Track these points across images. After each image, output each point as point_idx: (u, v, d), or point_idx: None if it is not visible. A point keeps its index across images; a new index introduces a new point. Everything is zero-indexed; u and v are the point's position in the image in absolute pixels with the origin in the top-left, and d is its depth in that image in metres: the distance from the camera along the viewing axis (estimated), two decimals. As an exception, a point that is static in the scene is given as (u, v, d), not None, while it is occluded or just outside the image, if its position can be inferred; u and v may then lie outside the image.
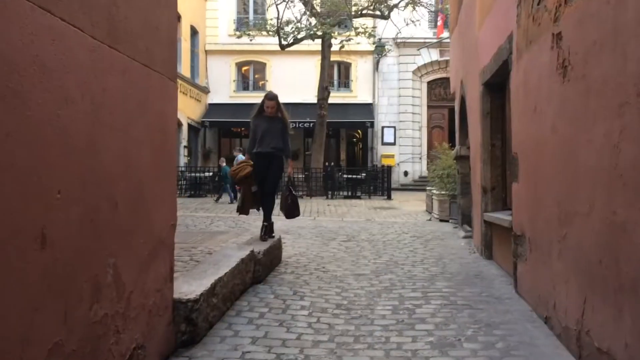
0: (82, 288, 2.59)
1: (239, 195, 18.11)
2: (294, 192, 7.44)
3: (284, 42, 20.35)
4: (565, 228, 3.99)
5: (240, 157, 19.26)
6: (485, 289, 5.69)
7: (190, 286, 4.16)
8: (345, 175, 21.64)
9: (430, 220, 13.13)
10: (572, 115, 3.79)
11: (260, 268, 5.69)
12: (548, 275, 4.43)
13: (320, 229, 10.66)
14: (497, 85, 7.01)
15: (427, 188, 15.65)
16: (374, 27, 22.49)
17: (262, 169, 6.84)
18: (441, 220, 12.62)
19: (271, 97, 6.97)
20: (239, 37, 21.16)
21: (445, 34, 25.26)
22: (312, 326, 4.50)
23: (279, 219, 10.07)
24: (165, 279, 3.72)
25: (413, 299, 5.33)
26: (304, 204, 16.93)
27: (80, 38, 2.55)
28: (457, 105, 11.07)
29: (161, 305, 3.65)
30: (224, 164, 19.82)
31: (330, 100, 21.78)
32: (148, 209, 3.39)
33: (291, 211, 7.33)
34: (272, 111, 6.86)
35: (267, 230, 6.93)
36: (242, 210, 7.05)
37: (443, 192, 12.88)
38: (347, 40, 19.76)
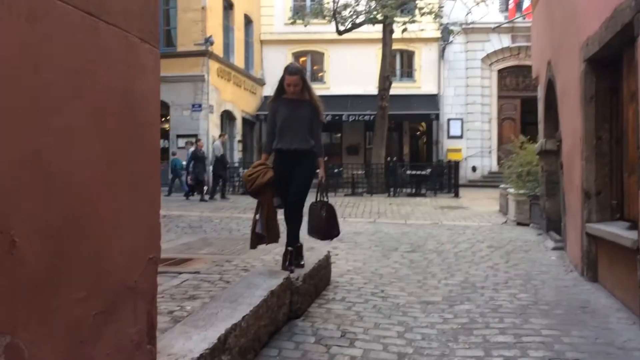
0: None
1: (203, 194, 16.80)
2: (328, 201, 5.17)
3: (341, 28, 18.96)
4: None
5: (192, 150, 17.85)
6: (600, 332, 4.19)
7: (187, 342, 2.91)
8: (408, 171, 20.12)
9: (506, 223, 11.51)
10: None
11: (299, 299, 4.40)
12: None
13: (380, 235, 9.29)
14: (606, 61, 5.46)
15: (501, 186, 13.99)
16: (441, 7, 20.67)
17: (285, 172, 4.86)
18: (519, 224, 11.01)
19: (293, 70, 5.03)
20: (292, 23, 19.95)
21: (517, 17, 23.40)
22: (364, 394, 3.18)
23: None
24: (139, 342, 2.48)
25: (503, 346, 3.91)
26: (363, 203, 15.63)
27: None
28: (541, 91, 9.44)
29: (131, 382, 2.41)
30: (176, 156, 18.44)
31: (392, 91, 20.32)
32: (95, 243, 2.15)
33: (328, 229, 5.11)
34: (295, 90, 4.88)
35: (295, 255, 4.95)
36: (270, 236, 4.91)
37: (521, 192, 11.24)
38: (410, 22, 18.15)
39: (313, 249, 5.68)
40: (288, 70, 4.99)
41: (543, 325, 4.36)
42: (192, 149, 17.66)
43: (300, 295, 4.41)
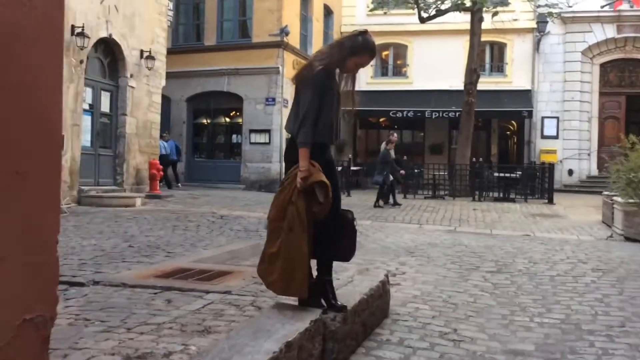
0: None
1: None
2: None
3: (424, 15, 17.53)
4: None
5: (162, 143, 16.30)
6: None
7: None
8: (496, 174, 18.43)
9: (611, 237, 9.82)
10: None
11: (335, 346, 3.23)
12: None
13: (459, 248, 7.93)
14: None
15: (605, 193, 12.20)
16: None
17: (331, 176, 3.54)
18: (627, 239, 9.33)
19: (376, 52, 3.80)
20: (371, 10, 18.73)
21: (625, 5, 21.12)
22: None
23: (404, 230, 7.53)
24: None
25: None
26: (444, 207, 14.22)
27: None
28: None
29: None
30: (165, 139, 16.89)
31: (480, 87, 18.68)
32: None
33: (348, 248, 3.66)
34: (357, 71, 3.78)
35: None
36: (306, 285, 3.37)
37: (631, 201, 9.53)
38: (502, 6, 16.43)
39: (368, 272, 4.50)
40: (373, 49, 3.72)
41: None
42: (161, 142, 16.44)
43: (337, 342, 3.25)
